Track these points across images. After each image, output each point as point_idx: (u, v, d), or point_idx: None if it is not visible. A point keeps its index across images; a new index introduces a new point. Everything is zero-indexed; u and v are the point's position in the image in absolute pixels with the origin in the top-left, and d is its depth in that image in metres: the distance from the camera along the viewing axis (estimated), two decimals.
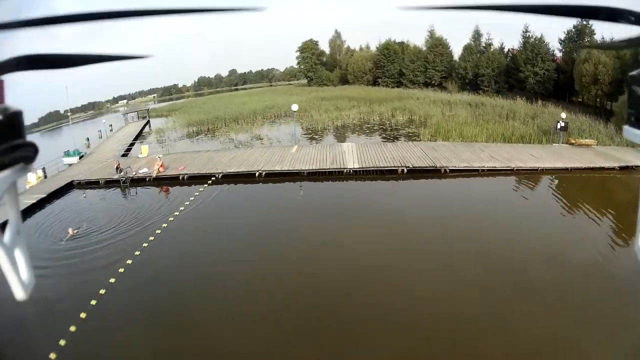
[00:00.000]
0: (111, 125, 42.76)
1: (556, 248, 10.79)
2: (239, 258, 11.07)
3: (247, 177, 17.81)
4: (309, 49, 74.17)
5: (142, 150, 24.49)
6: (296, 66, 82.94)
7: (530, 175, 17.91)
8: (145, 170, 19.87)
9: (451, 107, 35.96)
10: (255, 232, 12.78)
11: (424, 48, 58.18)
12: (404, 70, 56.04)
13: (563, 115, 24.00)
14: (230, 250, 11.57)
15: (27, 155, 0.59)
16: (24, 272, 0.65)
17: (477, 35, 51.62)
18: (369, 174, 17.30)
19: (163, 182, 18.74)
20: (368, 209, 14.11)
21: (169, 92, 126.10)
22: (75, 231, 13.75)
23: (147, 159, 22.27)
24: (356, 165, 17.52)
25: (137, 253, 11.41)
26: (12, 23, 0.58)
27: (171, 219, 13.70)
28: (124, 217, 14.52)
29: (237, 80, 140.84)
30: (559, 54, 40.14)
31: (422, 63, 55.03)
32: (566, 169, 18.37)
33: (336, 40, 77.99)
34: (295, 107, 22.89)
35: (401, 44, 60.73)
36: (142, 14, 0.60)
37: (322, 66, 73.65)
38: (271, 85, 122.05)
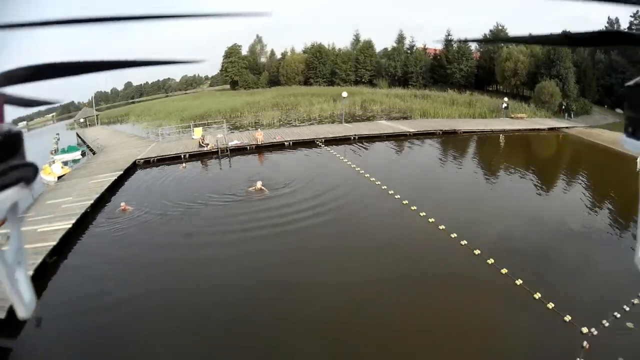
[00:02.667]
0: (58, 134, 44.39)
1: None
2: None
3: (344, 141, 25.89)
4: (235, 53, 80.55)
5: (195, 132, 29.80)
6: (220, 72, 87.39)
7: (501, 134, 29.45)
8: (236, 142, 25.45)
9: (404, 99, 47.03)
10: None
11: (350, 49, 69.71)
12: (337, 70, 66.48)
13: (506, 99, 36.87)
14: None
15: (27, 175, 0.62)
16: (26, 291, 0.68)
17: (400, 37, 64.63)
18: (422, 135, 26.95)
19: (265, 149, 24.93)
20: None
21: (68, 110, 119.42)
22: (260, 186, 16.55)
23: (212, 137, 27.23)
24: (412, 130, 27.04)
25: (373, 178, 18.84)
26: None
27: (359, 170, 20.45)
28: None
29: (133, 93, 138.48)
30: (476, 53, 54.21)
31: (353, 64, 66.21)
32: (518, 130, 30.36)
33: (257, 45, 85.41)
34: (345, 94, 31.27)
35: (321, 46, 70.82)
36: (147, 17, 0.65)
37: (247, 70, 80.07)
38: (167, 96, 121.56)
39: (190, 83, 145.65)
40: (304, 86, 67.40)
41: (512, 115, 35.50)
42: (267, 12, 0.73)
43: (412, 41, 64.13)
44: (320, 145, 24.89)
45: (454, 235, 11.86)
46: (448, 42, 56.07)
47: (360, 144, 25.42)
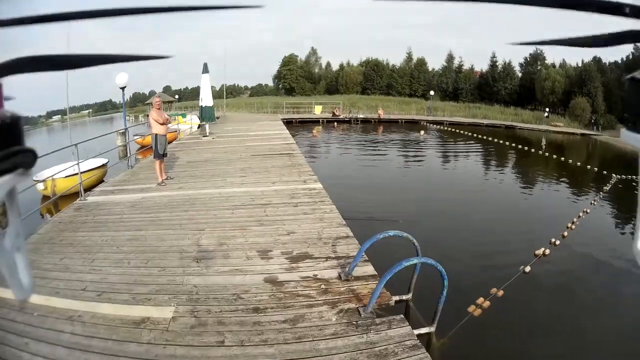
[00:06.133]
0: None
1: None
2: None
3: (439, 123, 38.86)
4: (292, 62, 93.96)
5: (316, 109, 42.95)
6: (272, 82, 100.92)
7: (545, 133, 42.08)
8: (362, 116, 39.45)
9: (461, 109, 59.97)
10: None
11: (403, 65, 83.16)
12: (393, 83, 79.82)
13: (547, 109, 49.70)
14: None
15: (26, 160, 0.64)
16: (24, 275, 0.72)
17: (450, 57, 78.10)
18: (491, 127, 39.85)
19: (383, 123, 38.43)
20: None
21: (104, 108, 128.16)
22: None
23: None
24: (485, 122, 40.19)
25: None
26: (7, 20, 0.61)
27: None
28: None
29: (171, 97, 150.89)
30: (519, 74, 67.31)
31: (408, 78, 79.62)
32: (559, 132, 43.21)
33: (311, 56, 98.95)
34: (432, 92, 44.64)
35: (378, 61, 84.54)
36: (138, 11, 0.65)
37: (303, 78, 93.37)
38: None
39: (230, 92, 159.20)
40: (362, 95, 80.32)
41: (552, 124, 48.18)
42: (260, 4, 0.74)
43: (461, 61, 77.67)
44: (425, 124, 38.06)
45: None
46: (493, 63, 69.38)
47: (452, 127, 38.32)
